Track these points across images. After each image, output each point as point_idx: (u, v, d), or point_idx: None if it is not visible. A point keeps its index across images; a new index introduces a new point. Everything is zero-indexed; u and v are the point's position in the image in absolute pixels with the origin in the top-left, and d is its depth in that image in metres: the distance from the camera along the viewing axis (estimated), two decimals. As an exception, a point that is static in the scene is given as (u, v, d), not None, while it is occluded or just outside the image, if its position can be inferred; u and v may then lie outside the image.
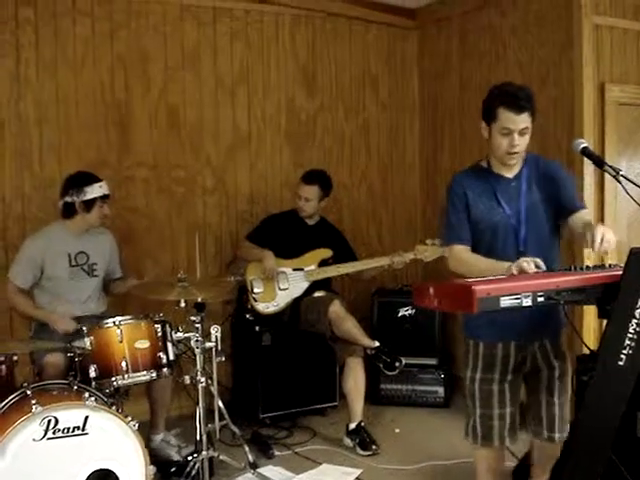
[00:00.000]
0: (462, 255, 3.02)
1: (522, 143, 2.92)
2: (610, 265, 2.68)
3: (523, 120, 2.87)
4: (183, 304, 3.76)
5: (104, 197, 4.12)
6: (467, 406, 3.15)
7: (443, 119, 5.80)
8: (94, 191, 4.07)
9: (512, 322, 2.89)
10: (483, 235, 3.02)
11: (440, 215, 3.13)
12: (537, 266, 2.63)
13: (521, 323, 2.92)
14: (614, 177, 2.75)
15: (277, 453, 4.38)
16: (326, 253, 4.90)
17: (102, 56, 4.84)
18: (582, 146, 2.88)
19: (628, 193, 2.69)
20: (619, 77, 4.54)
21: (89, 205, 4.08)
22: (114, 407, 3.33)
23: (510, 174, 3.03)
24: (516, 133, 2.88)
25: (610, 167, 2.78)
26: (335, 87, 5.79)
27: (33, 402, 3.04)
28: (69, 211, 4.12)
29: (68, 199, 4.09)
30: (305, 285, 4.83)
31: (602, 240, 2.56)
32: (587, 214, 3.01)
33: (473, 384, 3.08)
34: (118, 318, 3.72)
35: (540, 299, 2.36)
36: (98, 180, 4.12)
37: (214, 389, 3.87)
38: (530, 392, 3.12)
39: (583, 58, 4.40)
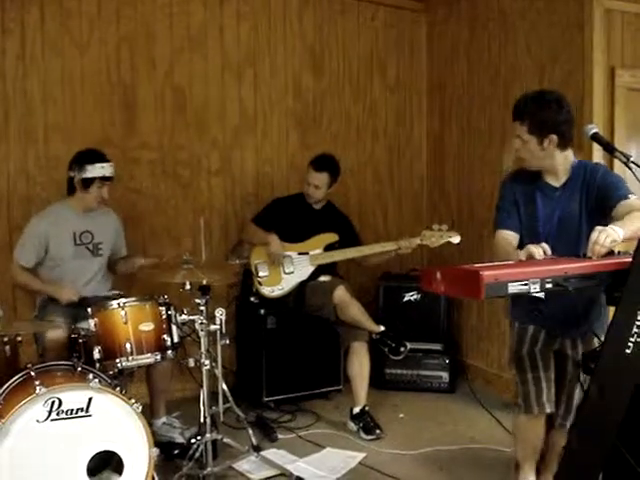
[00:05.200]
0: (498, 240, 3.11)
1: (522, 149, 3.02)
2: (619, 252, 2.66)
3: (517, 127, 2.99)
4: (188, 287, 3.75)
5: (104, 179, 4.08)
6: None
7: (451, 103, 5.76)
8: (94, 171, 4.04)
9: (549, 317, 3.05)
10: (522, 237, 3.11)
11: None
12: (544, 251, 2.62)
13: (558, 321, 3.05)
14: (624, 163, 2.72)
15: (281, 436, 4.39)
16: (332, 237, 4.88)
17: (108, 36, 4.80)
18: (592, 132, 2.86)
19: (639, 179, 2.66)
20: (630, 62, 4.50)
21: (87, 184, 4.06)
22: (118, 389, 3.31)
23: (557, 183, 3.08)
24: (515, 138, 3.02)
25: (620, 153, 2.75)
26: (342, 69, 5.75)
27: (37, 383, 3.03)
28: (70, 187, 4.14)
29: (71, 174, 4.10)
30: (310, 269, 4.81)
31: (594, 243, 2.55)
32: (630, 203, 2.86)
33: (511, 355, 3.28)
34: (123, 300, 3.70)
35: (548, 285, 2.35)
36: (102, 160, 4.07)
37: (218, 372, 3.86)
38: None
39: (593, 42, 4.36)
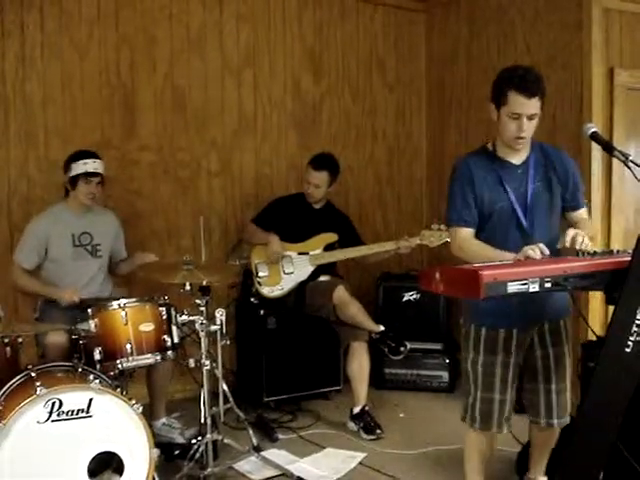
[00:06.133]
0: (466, 241, 2.98)
1: (530, 128, 2.90)
2: (618, 251, 2.66)
3: (533, 105, 2.84)
4: (188, 287, 3.75)
5: (88, 174, 4.08)
6: (467, 389, 3.11)
7: (450, 102, 5.77)
8: (78, 168, 4.07)
9: (515, 309, 2.89)
10: (486, 220, 2.99)
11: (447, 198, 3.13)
12: (542, 252, 2.62)
13: (524, 310, 2.91)
14: (623, 162, 2.73)
15: (281, 437, 4.39)
16: (331, 238, 4.88)
17: (107, 37, 4.81)
18: (592, 131, 2.86)
19: (637, 178, 2.67)
20: (628, 61, 4.51)
21: (73, 182, 4.10)
22: (118, 390, 3.32)
23: (517, 160, 3.01)
24: (525, 118, 2.85)
25: (619, 152, 2.76)
26: (342, 70, 5.76)
27: (37, 384, 3.04)
28: (65, 189, 4.17)
29: (64, 177, 4.14)
30: (310, 269, 4.82)
31: (573, 240, 2.66)
32: (585, 212, 3.11)
33: (475, 367, 3.04)
34: (123, 300, 3.70)
35: (547, 285, 2.35)
36: (86, 157, 4.09)
37: (218, 372, 3.86)
38: (527, 380, 3.11)
39: (592, 42, 4.38)
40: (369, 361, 4.60)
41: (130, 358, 3.64)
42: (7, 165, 4.56)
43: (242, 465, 3.90)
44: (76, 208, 4.17)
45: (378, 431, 4.42)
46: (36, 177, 4.63)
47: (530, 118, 2.86)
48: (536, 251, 2.61)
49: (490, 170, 3.00)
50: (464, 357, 3.12)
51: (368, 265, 5.08)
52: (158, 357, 3.72)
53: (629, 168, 2.70)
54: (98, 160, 4.12)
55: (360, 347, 4.58)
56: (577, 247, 2.64)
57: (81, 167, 4.07)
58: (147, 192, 5.02)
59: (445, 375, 5.24)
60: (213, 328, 3.71)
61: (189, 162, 5.17)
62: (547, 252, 2.62)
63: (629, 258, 2.42)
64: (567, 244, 2.67)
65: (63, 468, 3.07)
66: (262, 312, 4.83)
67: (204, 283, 3.79)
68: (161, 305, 3.80)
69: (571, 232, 2.69)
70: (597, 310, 4.31)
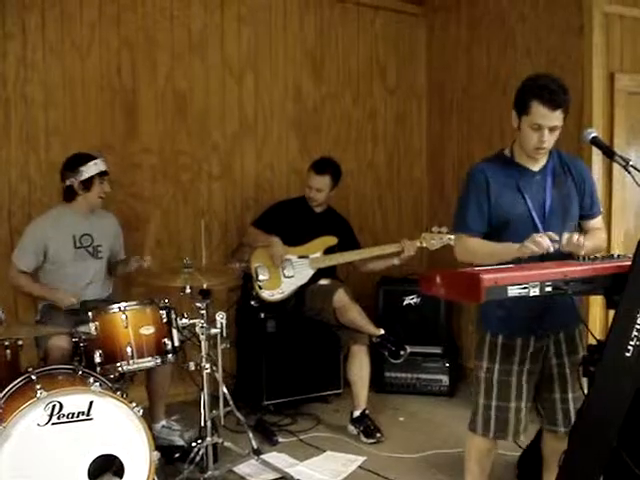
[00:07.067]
0: (468, 243, 2.96)
1: (551, 139, 2.86)
2: (618, 256, 2.67)
3: (556, 117, 2.80)
4: (188, 290, 3.76)
5: (102, 174, 4.11)
6: (479, 397, 3.07)
7: (450, 106, 5.78)
8: (90, 169, 4.08)
9: (531, 317, 2.88)
10: (503, 227, 2.95)
11: (457, 202, 3.10)
12: (552, 239, 2.61)
13: (540, 317, 2.89)
14: (624, 167, 2.73)
15: (281, 440, 4.39)
16: (331, 240, 4.88)
17: (109, 40, 4.81)
18: (592, 136, 2.85)
19: (638, 183, 2.66)
20: (629, 66, 4.50)
21: (88, 184, 4.10)
22: (119, 392, 3.32)
23: (535, 167, 2.97)
24: (546, 129, 2.81)
25: (620, 157, 2.75)
26: (342, 73, 5.77)
27: (38, 387, 3.03)
28: (70, 194, 4.15)
29: (68, 182, 4.12)
30: (310, 273, 4.81)
31: (569, 241, 2.66)
32: (599, 222, 3.08)
33: (491, 374, 3.01)
34: (123, 304, 3.71)
35: (548, 289, 2.35)
36: (92, 158, 4.11)
37: (219, 375, 3.85)
38: (544, 388, 3.05)
39: (593, 46, 4.37)
40: (369, 365, 4.60)
41: (130, 361, 3.64)
42: (8, 168, 4.55)
43: (242, 468, 3.91)
44: (79, 211, 4.17)
45: (378, 435, 4.42)
46: (36, 179, 4.63)
47: (552, 130, 2.83)
48: (544, 238, 2.60)
49: (507, 176, 2.96)
50: (478, 365, 3.08)
51: (365, 273, 5.06)
52: (158, 360, 3.73)
53: (629, 173, 2.69)
54: (102, 158, 4.16)
55: (360, 351, 4.58)
56: (574, 242, 2.64)
57: (93, 168, 4.09)
58: (148, 195, 5.02)
59: (445, 379, 5.25)
60: (213, 331, 3.71)
61: (190, 165, 5.17)
62: (557, 238, 2.62)
63: (630, 262, 2.42)
64: (563, 246, 2.67)
65: (63, 471, 3.07)
66: (262, 315, 4.83)
67: (204, 286, 3.80)
68: (161, 308, 3.80)
69: (566, 235, 2.68)
70: (597, 314, 4.31)
